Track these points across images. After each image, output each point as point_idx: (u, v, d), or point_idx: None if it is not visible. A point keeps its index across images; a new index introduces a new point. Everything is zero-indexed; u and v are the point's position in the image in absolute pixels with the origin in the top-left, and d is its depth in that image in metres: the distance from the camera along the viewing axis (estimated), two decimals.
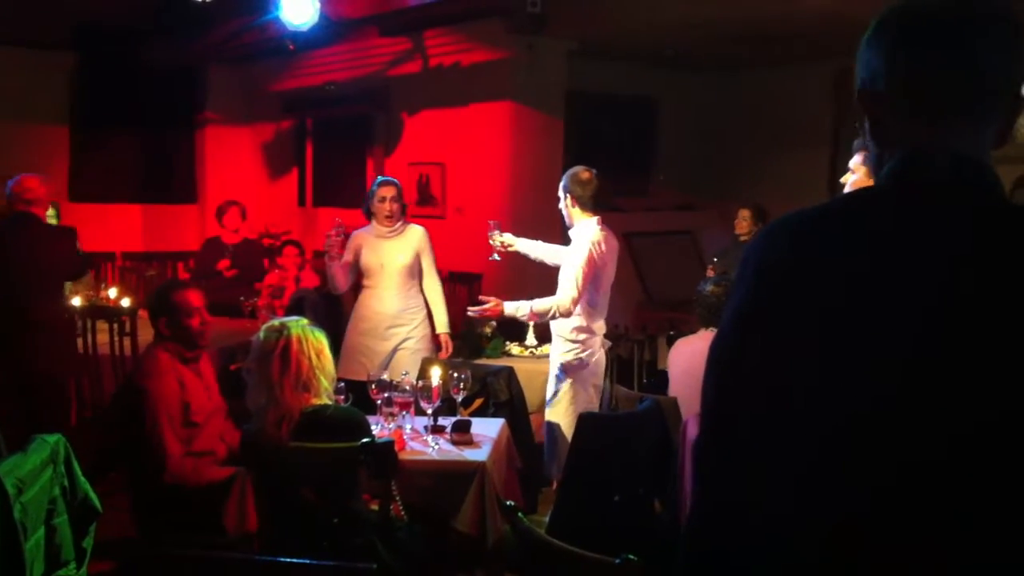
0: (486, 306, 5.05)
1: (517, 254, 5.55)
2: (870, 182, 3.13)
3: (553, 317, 5.00)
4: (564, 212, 5.15)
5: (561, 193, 5.13)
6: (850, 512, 1.17)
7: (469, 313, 5.17)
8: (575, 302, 4.92)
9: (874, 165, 1.36)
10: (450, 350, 5.71)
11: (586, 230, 5.04)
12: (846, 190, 3.28)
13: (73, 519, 3.04)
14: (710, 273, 7.22)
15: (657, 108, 10.62)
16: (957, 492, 1.13)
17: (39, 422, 3.84)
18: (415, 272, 5.75)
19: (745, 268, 1.30)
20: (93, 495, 3.14)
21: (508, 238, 5.49)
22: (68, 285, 6.70)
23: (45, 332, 5.35)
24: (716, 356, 1.33)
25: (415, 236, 5.76)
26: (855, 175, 3.27)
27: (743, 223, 7.79)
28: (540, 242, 5.52)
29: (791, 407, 1.22)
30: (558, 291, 4.97)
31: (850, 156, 3.37)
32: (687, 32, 8.08)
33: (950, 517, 1.13)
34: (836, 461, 1.19)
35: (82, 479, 3.11)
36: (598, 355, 5.19)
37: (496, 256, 5.50)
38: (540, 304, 4.95)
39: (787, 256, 1.26)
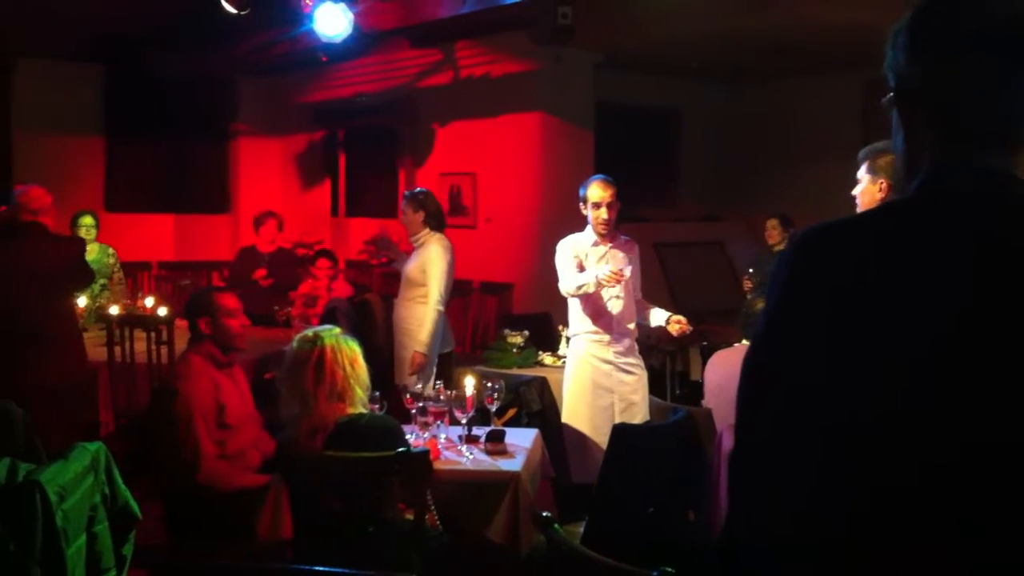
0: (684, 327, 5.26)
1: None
2: (876, 191, 3.15)
3: None
4: (614, 218, 5.25)
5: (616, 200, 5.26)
6: (876, 518, 1.18)
7: (674, 333, 5.30)
8: None
9: (905, 172, 1.36)
10: (414, 368, 5.69)
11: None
12: (857, 201, 3.30)
13: (113, 526, 3.07)
14: (746, 284, 7.19)
15: (683, 119, 10.61)
16: (973, 498, 1.13)
17: (43, 430, 3.84)
18: (415, 284, 5.86)
19: (776, 276, 1.30)
20: (133, 502, 3.18)
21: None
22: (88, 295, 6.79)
23: (48, 342, 5.31)
24: (750, 363, 1.33)
25: (424, 250, 5.88)
26: (860, 184, 3.29)
27: (773, 232, 7.78)
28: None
29: (822, 414, 1.22)
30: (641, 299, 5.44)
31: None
32: (713, 43, 8.08)
33: (965, 522, 1.14)
34: (865, 467, 1.19)
35: (122, 486, 3.15)
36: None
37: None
38: (662, 313, 5.37)
39: (818, 264, 1.26)
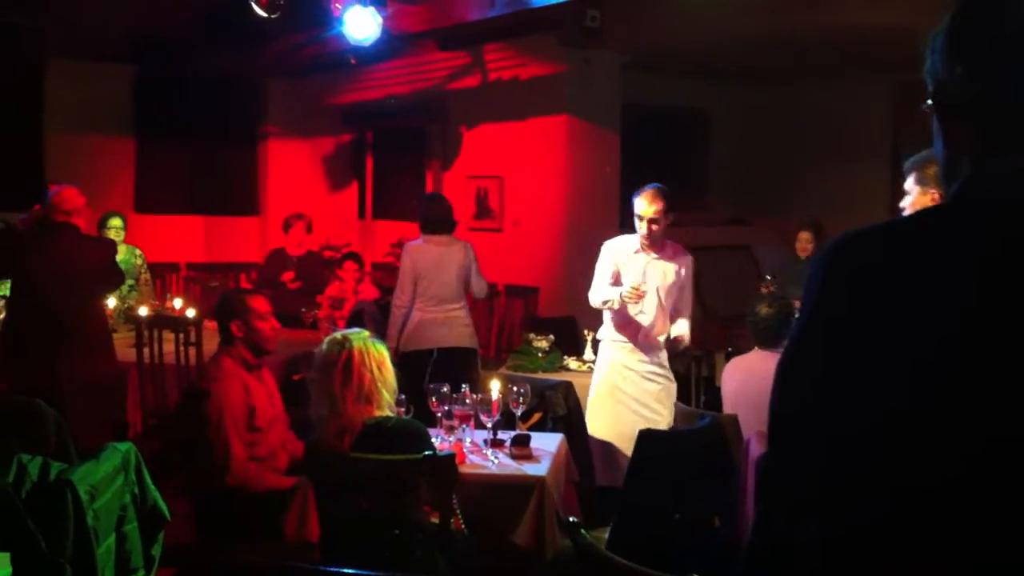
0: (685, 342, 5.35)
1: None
2: (928, 202, 3.08)
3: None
4: (661, 231, 5.17)
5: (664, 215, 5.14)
6: (904, 526, 1.18)
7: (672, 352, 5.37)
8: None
9: (944, 178, 1.35)
10: None
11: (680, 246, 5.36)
12: (906, 213, 3.22)
13: (143, 526, 3.10)
14: (764, 291, 7.13)
15: (711, 121, 10.58)
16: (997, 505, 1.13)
17: (72, 429, 3.88)
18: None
19: (812, 282, 1.29)
20: (162, 503, 3.21)
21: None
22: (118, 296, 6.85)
23: (79, 341, 5.37)
24: (783, 369, 1.33)
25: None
26: (910, 196, 3.20)
27: (807, 246, 7.66)
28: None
29: (854, 421, 1.22)
30: (684, 311, 5.33)
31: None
32: (742, 45, 8.04)
33: (988, 528, 1.13)
34: (902, 474, 1.18)
35: (152, 487, 3.18)
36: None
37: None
38: (685, 327, 5.30)
39: (854, 271, 1.25)
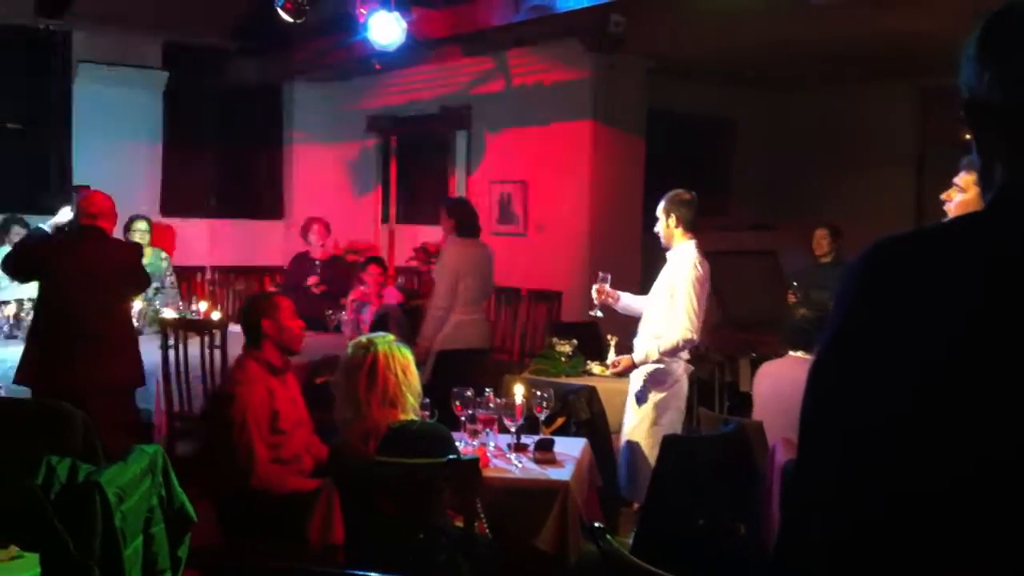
0: (619, 368, 5.24)
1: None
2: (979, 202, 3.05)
3: (681, 350, 5.08)
4: (662, 234, 5.17)
5: (661, 214, 5.14)
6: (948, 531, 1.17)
7: (608, 371, 5.41)
8: (697, 329, 4.98)
9: (981, 186, 1.34)
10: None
11: (687, 252, 5.09)
12: (950, 206, 3.18)
13: (169, 528, 3.12)
14: (791, 298, 7.09)
15: (736, 127, 10.55)
16: None
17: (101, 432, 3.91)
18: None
19: (846, 288, 1.28)
20: (189, 505, 3.23)
21: (616, 294, 5.36)
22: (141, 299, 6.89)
23: (104, 344, 5.39)
24: (815, 376, 1.32)
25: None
26: (962, 194, 3.14)
27: (822, 243, 7.65)
28: (631, 295, 5.47)
29: (887, 432, 1.21)
30: (676, 323, 4.98)
31: (936, 176, 3.29)
32: (767, 51, 8.03)
33: None
34: (931, 479, 1.18)
35: (178, 489, 3.20)
36: (682, 380, 5.19)
37: (598, 312, 5.34)
38: (665, 344, 5.00)
39: (891, 277, 1.25)
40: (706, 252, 5.20)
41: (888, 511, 1.19)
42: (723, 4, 6.71)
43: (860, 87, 9.45)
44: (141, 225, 7.73)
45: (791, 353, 4.61)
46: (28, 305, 6.26)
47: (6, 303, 6.66)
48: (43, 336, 5.43)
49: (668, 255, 5.21)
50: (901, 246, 1.26)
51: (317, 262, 8.18)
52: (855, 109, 9.63)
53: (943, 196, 3.25)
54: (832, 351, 1.29)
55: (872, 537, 1.21)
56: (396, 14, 6.96)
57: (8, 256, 5.72)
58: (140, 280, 5.82)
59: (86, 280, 5.35)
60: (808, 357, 4.52)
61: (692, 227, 5.13)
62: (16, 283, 6.16)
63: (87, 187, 5.86)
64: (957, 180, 3.19)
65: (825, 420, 1.29)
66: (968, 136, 1.34)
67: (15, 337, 6.36)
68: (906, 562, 1.18)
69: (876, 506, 1.21)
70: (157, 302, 7.28)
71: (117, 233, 6.30)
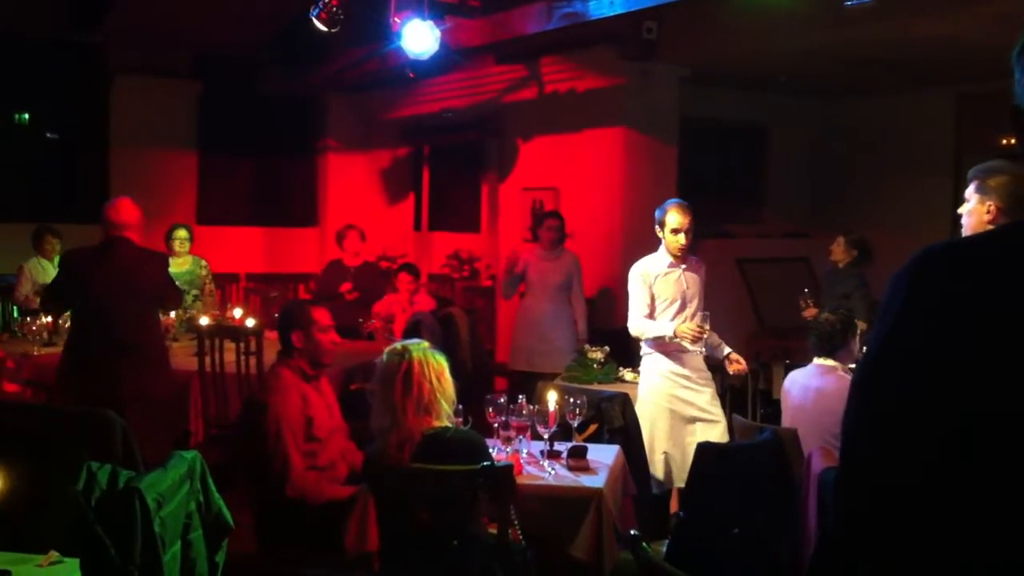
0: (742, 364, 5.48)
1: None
2: (984, 212, 3.03)
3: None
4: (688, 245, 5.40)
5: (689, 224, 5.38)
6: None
7: (731, 372, 5.52)
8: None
9: None
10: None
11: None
12: (963, 220, 3.19)
13: (207, 534, 3.15)
14: (801, 305, 6.95)
15: (770, 134, 10.50)
16: None
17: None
18: (565, 288, 7.32)
19: (894, 295, 1.28)
20: (226, 511, 3.25)
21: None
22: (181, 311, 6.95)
23: (134, 354, 5.37)
24: (860, 384, 1.31)
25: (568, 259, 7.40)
26: (968, 204, 3.17)
27: (836, 250, 7.57)
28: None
29: (932, 438, 1.20)
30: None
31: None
32: (801, 58, 7.98)
33: None
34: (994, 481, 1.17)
35: (216, 495, 3.22)
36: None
37: (702, 349, 5.37)
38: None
39: (939, 285, 1.24)
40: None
41: (968, 510, 1.18)
42: (756, 11, 6.69)
43: (896, 93, 9.37)
44: (181, 233, 7.80)
45: (816, 360, 4.60)
46: (66, 315, 6.32)
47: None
48: (78, 348, 5.46)
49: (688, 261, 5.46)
50: (948, 254, 1.26)
51: (351, 269, 8.22)
52: (891, 115, 9.55)
53: (959, 211, 3.25)
54: (881, 356, 1.28)
55: (946, 540, 1.20)
56: (430, 23, 7.00)
57: (43, 300, 6.03)
58: (172, 293, 5.80)
59: (114, 291, 5.33)
60: (832, 363, 4.52)
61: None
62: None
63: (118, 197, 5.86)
64: (966, 193, 3.21)
65: (874, 424, 1.27)
66: (1006, 141, 1.34)
67: (53, 344, 6.45)
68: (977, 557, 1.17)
69: (955, 506, 1.19)
70: (195, 309, 7.35)
71: (156, 241, 6.35)
